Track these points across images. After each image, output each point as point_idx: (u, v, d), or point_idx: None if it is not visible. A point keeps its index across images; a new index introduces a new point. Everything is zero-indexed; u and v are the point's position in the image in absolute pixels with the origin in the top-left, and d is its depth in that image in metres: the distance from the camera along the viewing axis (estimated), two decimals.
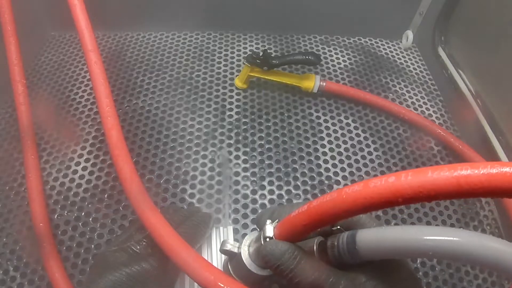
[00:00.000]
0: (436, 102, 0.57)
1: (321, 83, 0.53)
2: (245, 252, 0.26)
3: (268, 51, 0.60)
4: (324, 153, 0.48)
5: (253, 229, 0.41)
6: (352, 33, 0.66)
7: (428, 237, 0.18)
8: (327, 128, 0.51)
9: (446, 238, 0.17)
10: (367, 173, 0.47)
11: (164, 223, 0.27)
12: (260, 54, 0.50)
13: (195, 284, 0.32)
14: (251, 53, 0.52)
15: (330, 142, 0.49)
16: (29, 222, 0.39)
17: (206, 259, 0.31)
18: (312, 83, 0.52)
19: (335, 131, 0.51)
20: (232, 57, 0.60)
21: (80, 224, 0.40)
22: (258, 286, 0.29)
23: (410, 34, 0.64)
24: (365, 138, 0.50)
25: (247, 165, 0.46)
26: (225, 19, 0.62)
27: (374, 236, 0.20)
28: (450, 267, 0.40)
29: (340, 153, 0.48)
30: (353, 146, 0.49)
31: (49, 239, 0.36)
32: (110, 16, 0.59)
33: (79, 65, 0.58)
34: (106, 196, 0.42)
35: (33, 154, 0.40)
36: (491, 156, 0.45)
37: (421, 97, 0.57)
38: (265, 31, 0.65)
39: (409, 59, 0.64)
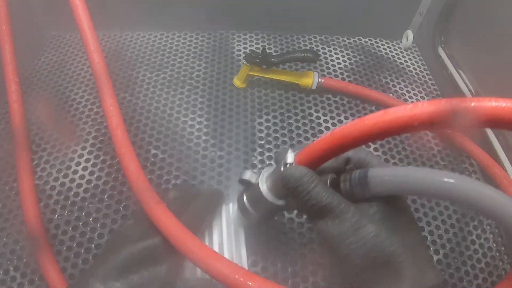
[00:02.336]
0: None
1: (319, 79, 0.53)
2: (263, 182, 0.28)
3: (268, 50, 0.60)
4: None
5: None
6: (352, 33, 0.66)
7: (432, 177, 0.20)
8: (327, 128, 0.51)
9: (446, 179, 0.20)
10: None
11: (170, 217, 0.28)
12: (259, 53, 0.50)
13: None
14: (250, 52, 0.52)
15: None
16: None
17: (217, 237, 0.33)
18: (311, 79, 0.53)
19: None
20: (232, 57, 0.60)
21: (80, 224, 0.40)
22: (271, 216, 0.32)
23: (410, 34, 0.64)
24: None
25: (247, 165, 0.46)
26: (225, 19, 0.62)
27: (385, 172, 0.22)
28: (450, 267, 0.40)
29: None
30: None
31: (42, 237, 0.36)
32: (110, 16, 0.59)
33: (79, 65, 0.58)
34: (106, 196, 0.42)
35: (26, 152, 0.40)
36: (491, 155, 0.45)
37: (421, 97, 0.57)
38: (265, 31, 0.65)
39: (409, 59, 0.64)
